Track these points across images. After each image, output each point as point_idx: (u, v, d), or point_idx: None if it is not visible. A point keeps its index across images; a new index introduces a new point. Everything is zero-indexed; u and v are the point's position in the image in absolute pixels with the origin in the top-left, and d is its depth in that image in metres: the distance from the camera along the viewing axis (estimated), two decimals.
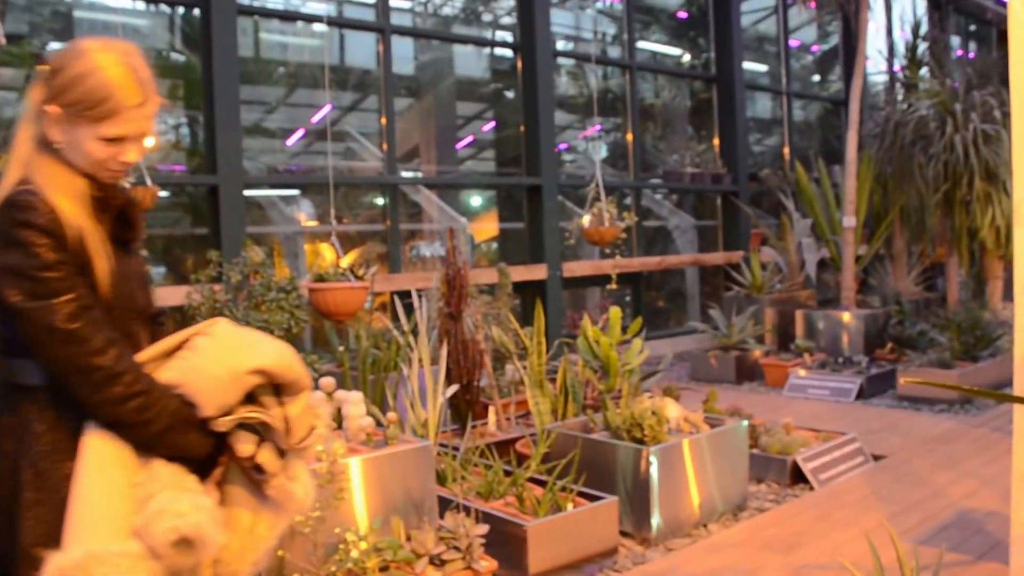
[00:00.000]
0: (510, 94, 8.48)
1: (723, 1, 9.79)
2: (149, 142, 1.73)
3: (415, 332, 4.62)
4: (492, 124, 8.94)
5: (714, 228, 10.06)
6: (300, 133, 7.36)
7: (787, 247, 8.58)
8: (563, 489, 3.52)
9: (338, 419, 3.47)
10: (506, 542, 3.23)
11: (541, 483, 3.65)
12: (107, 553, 1.48)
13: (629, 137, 9.11)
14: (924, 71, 9.54)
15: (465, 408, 4.80)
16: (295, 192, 7.12)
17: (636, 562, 3.46)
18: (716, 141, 10.01)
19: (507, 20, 8.52)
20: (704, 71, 10.16)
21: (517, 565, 3.22)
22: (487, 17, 8.65)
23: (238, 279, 4.69)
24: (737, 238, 9.74)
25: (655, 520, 3.63)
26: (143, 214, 1.79)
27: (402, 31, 7.56)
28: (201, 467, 1.65)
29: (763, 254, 8.64)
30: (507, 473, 3.77)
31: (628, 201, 9.10)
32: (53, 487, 1.56)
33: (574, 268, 7.99)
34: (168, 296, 5.18)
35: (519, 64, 8.03)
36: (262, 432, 1.67)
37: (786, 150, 10.67)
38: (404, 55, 7.92)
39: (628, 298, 9.12)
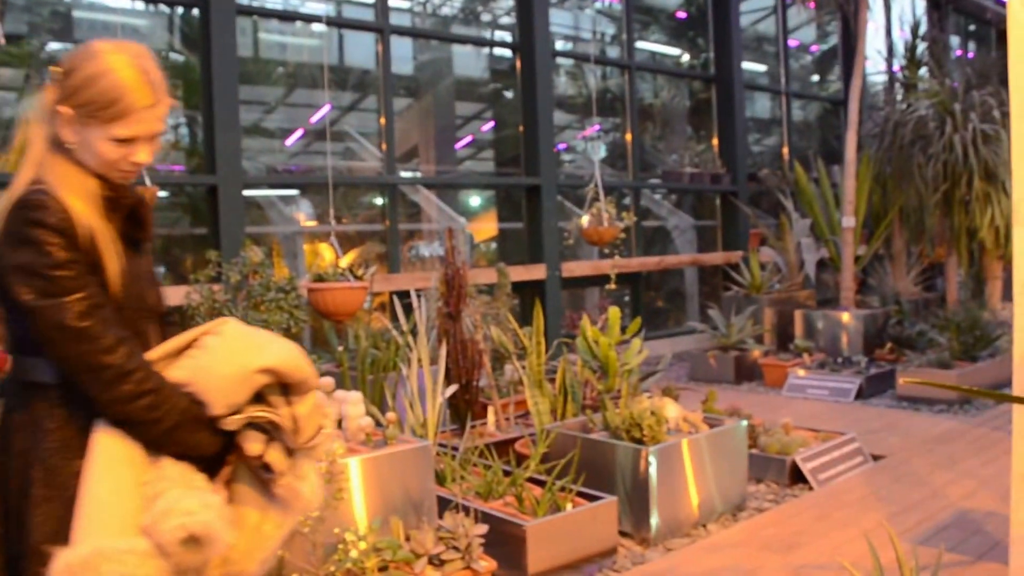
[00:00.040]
0: (509, 94, 8.48)
1: (722, 1, 9.79)
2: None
3: (414, 332, 4.62)
4: (491, 124, 8.94)
5: (713, 228, 10.06)
6: (299, 133, 7.35)
7: (786, 247, 8.58)
8: (562, 489, 3.52)
9: (337, 419, 3.47)
10: (505, 542, 3.23)
11: (540, 483, 3.65)
12: (115, 550, 1.49)
13: (628, 137, 9.11)
14: (923, 71, 9.54)
15: (464, 408, 4.80)
16: (294, 192, 7.12)
17: (635, 562, 3.46)
18: (715, 141, 10.02)
19: (506, 20, 8.52)
20: (703, 71, 10.16)
21: (516, 565, 3.22)
22: (486, 17, 8.65)
23: (237, 279, 4.69)
24: (736, 238, 9.74)
25: (654, 520, 3.63)
26: (153, 214, 1.80)
27: (401, 31, 7.56)
28: (210, 466, 1.66)
29: (762, 254, 8.64)
30: (506, 473, 3.77)
31: (627, 201, 9.10)
32: (62, 484, 1.57)
33: (573, 268, 7.99)
34: (167, 296, 5.17)
35: (518, 64, 8.03)
36: (270, 431, 1.68)
37: (785, 150, 10.67)
38: (403, 55, 7.92)
39: (627, 298, 9.12)
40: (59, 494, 1.57)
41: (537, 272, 7.66)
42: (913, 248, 8.86)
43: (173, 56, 6.42)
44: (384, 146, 7.07)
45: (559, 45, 9.02)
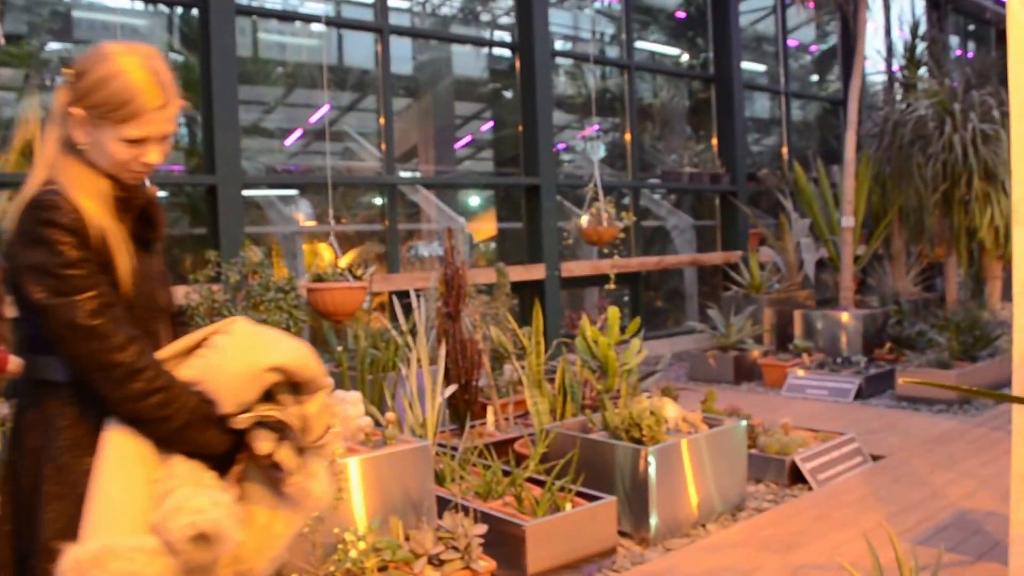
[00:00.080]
0: (508, 94, 8.48)
1: (721, 1, 9.79)
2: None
3: (413, 332, 4.62)
4: (490, 124, 8.94)
5: (712, 228, 10.06)
6: (298, 133, 7.35)
7: (785, 247, 8.58)
8: (561, 489, 3.52)
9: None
10: (505, 542, 3.23)
11: (540, 483, 3.65)
12: (123, 547, 1.50)
13: (627, 137, 9.11)
14: (923, 71, 9.53)
15: (463, 408, 4.80)
16: (293, 192, 7.12)
17: (634, 562, 3.46)
18: (714, 141, 10.02)
19: (505, 20, 8.52)
20: (702, 71, 10.16)
21: (516, 565, 3.22)
22: (485, 17, 8.65)
23: (236, 279, 4.68)
24: (735, 238, 9.74)
25: (653, 520, 3.63)
26: (164, 214, 1.82)
27: (400, 31, 7.56)
28: (220, 464, 1.68)
29: (761, 254, 8.64)
30: (505, 473, 3.77)
31: (626, 201, 9.10)
32: (73, 482, 1.59)
33: (572, 268, 7.99)
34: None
35: (517, 64, 8.02)
36: (280, 430, 1.69)
37: (784, 150, 10.67)
38: (402, 55, 7.92)
39: (626, 298, 9.12)
40: (70, 491, 1.58)
41: (536, 272, 7.66)
42: (912, 248, 8.87)
43: (172, 56, 6.42)
44: (383, 146, 7.07)
45: (558, 45, 9.02)
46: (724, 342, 7.29)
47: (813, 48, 12.35)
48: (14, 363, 3.44)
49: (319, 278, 4.61)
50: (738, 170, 9.71)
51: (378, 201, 7.39)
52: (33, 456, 1.62)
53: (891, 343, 7.40)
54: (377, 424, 3.75)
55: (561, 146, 9.24)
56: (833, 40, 11.99)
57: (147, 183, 1.81)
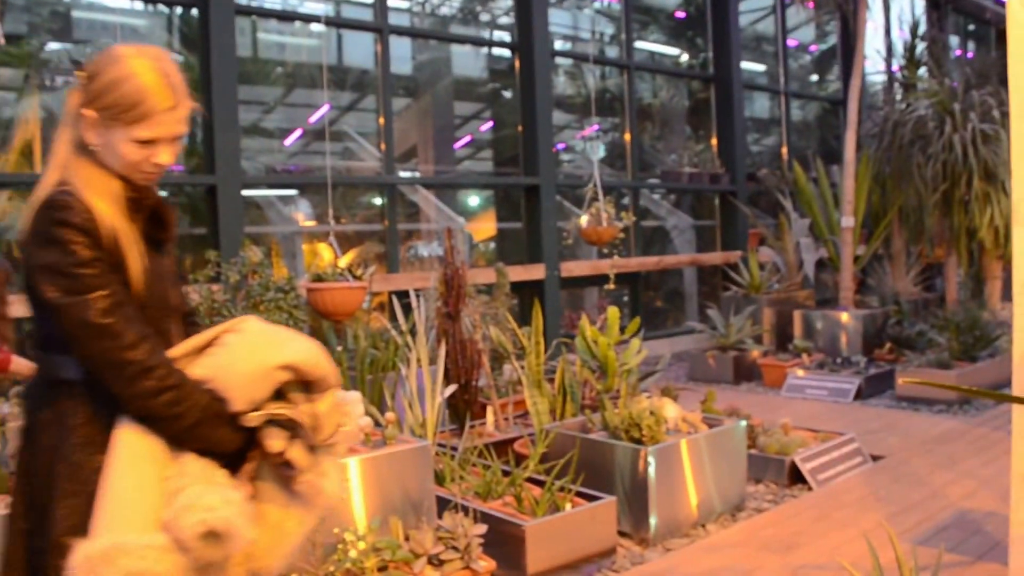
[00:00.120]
0: (508, 94, 8.48)
1: (721, 1, 9.79)
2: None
3: (413, 332, 4.62)
4: (490, 124, 8.94)
5: (712, 228, 10.06)
6: (298, 133, 7.35)
7: (785, 247, 8.58)
8: (561, 489, 3.52)
9: None
10: (504, 542, 3.23)
11: (539, 483, 3.65)
12: (134, 544, 1.51)
13: (627, 137, 9.11)
14: (923, 71, 9.54)
15: (463, 408, 4.80)
16: (293, 192, 7.12)
17: (634, 562, 3.46)
18: (714, 141, 10.02)
19: (505, 20, 8.52)
20: (702, 71, 10.16)
21: (515, 565, 3.22)
22: (485, 17, 8.65)
23: (236, 279, 4.68)
24: (735, 238, 9.74)
25: (653, 520, 3.63)
26: (176, 215, 1.85)
27: (400, 31, 7.55)
28: (232, 462, 1.69)
29: (761, 254, 8.64)
30: (505, 473, 3.77)
31: (626, 201, 9.10)
32: (86, 479, 1.60)
33: (572, 268, 7.99)
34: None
35: (517, 64, 8.02)
36: (292, 428, 1.70)
37: (784, 150, 10.67)
38: (402, 55, 7.92)
39: (626, 298, 9.12)
40: (82, 489, 1.60)
41: (536, 272, 7.66)
42: (912, 248, 8.87)
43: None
44: (383, 146, 7.07)
45: (558, 45, 9.02)
46: (724, 342, 7.29)
47: (813, 48, 12.35)
48: (16, 363, 3.44)
49: (319, 278, 4.61)
50: (738, 170, 9.71)
51: (378, 201, 7.39)
52: (47, 454, 1.65)
53: (891, 343, 7.40)
54: (377, 424, 3.75)
55: (561, 146, 9.24)
56: (833, 40, 11.99)
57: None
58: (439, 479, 3.67)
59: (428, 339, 4.83)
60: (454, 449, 3.93)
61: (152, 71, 1.67)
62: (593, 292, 9.00)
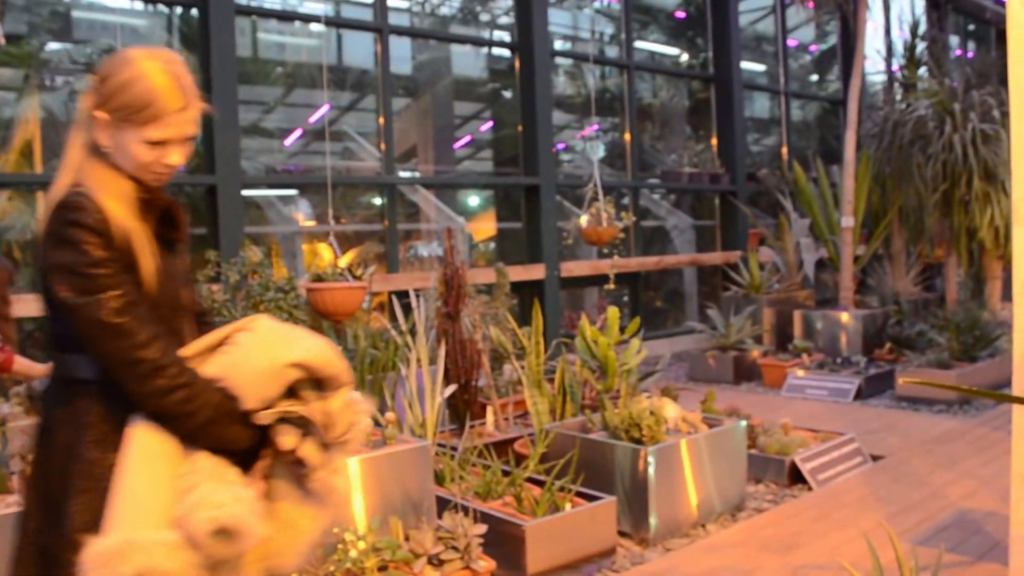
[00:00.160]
0: (508, 94, 8.48)
1: (721, 1, 9.79)
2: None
3: (413, 332, 4.62)
4: (490, 124, 8.94)
5: (712, 228, 10.06)
6: (298, 133, 7.35)
7: (785, 247, 8.58)
8: (561, 489, 3.52)
9: None
10: (504, 542, 3.23)
11: (539, 483, 3.65)
12: (145, 541, 1.53)
13: (627, 137, 9.11)
14: (923, 71, 9.54)
15: (463, 408, 4.80)
16: (293, 192, 7.12)
17: (634, 562, 3.46)
18: (714, 141, 10.02)
19: (505, 20, 8.52)
20: (702, 71, 10.16)
21: (515, 565, 3.22)
22: (485, 17, 8.65)
23: (236, 279, 4.68)
24: (735, 238, 9.74)
25: (653, 520, 3.63)
26: (187, 215, 1.87)
27: (400, 31, 7.55)
28: (244, 460, 1.70)
29: (761, 254, 8.64)
30: (505, 473, 3.77)
31: (626, 201, 9.10)
32: (99, 476, 1.62)
33: (572, 268, 7.99)
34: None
35: (517, 64, 8.02)
36: (304, 426, 1.71)
37: (784, 150, 10.67)
38: (402, 55, 7.92)
39: (626, 298, 9.12)
40: (96, 486, 1.62)
41: (536, 272, 7.66)
42: (912, 248, 8.87)
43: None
44: (383, 146, 7.07)
45: (558, 45, 9.02)
46: (724, 342, 7.29)
47: (813, 48, 12.35)
48: (18, 363, 3.44)
49: (319, 278, 4.61)
50: (738, 170, 9.70)
51: (377, 201, 7.39)
52: (63, 453, 1.66)
53: (891, 343, 7.40)
54: (377, 424, 3.75)
55: (561, 146, 9.24)
56: (833, 40, 11.99)
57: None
58: (439, 479, 3.67)
59: (428, 339, 4.83)
60: (454, 449, 3.93)
61: (163, 73, 1.69)
62: (593, 292, 9.00)
